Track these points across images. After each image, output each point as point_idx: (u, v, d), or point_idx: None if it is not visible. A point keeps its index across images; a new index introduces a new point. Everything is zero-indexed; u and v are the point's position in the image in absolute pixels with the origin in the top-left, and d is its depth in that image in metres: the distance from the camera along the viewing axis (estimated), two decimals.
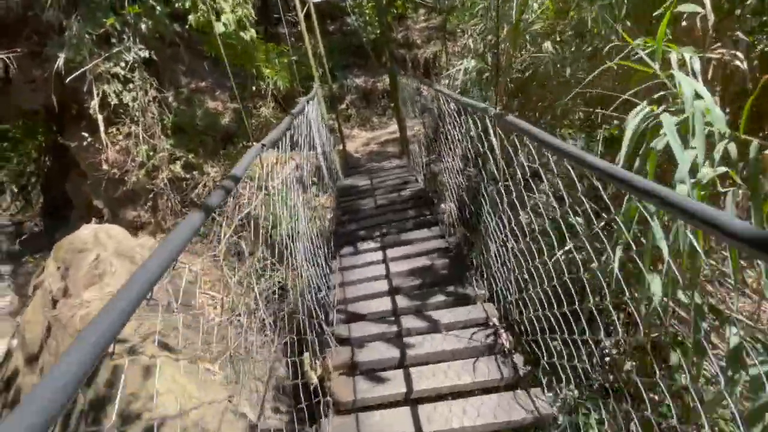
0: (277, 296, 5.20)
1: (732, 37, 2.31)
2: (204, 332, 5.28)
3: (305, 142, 3.87)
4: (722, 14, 2.72)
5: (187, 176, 6.83)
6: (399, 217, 4.19)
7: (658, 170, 1.80)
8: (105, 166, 6.71)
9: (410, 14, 10.53)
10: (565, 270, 1.91)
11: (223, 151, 6.91)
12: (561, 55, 3.27)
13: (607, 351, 2.72)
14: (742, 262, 2.30)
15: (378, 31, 9.65)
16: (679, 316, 2.78)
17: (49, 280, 4.90)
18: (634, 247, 1.67)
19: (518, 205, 2.01)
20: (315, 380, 2.33)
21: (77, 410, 4.23)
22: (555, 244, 1.82)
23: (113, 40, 6.67)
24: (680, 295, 2.07)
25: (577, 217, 2.01)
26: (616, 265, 1.90)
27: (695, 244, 1.63)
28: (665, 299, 1.99)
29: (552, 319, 1.95)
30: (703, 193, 1.66)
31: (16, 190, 10.21)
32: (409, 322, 2.80)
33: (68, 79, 6.36)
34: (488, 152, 2.54)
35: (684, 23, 2.62)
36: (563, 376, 2.13)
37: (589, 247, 1.73)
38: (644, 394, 1.66)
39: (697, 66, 1.94)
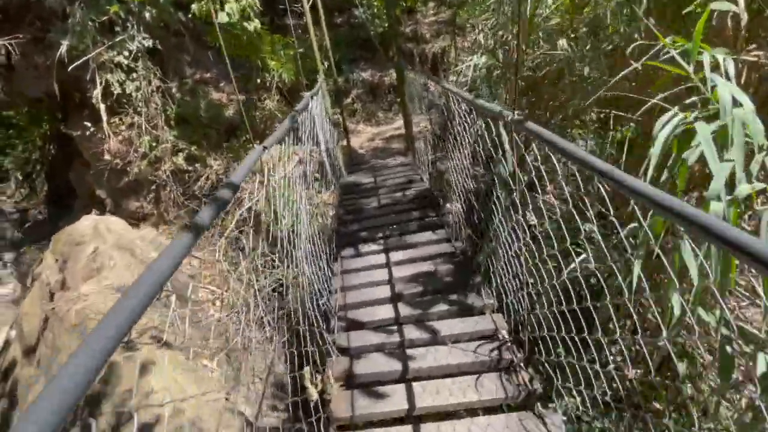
0: (277, 294, 5.08)
1: (767, 39, 2.13)
2: (202, 328, 5.17)
3: (309, 138, 3.72)
4: (752, 14, 2.53)
5: (190, 169, 6.69)
6: (403, 218, 4.03)
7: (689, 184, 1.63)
8: (107, 156, 6.58)
9: (419, 7, 10.29)
10: (584, 286, 1.75)
11: (226, 144, 6.75)
12: (578, 53, 3.08)
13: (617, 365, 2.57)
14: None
15: (386, 25, 9.42)
16: (688, 325, 2.63)
17: (47, 273, 4.80)
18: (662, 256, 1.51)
19: (535, 217, 1.85)
20: (315, 396, 2.19)
21: None
22: (575, 260, 1.66)
23: (117, 29, 6.51)
24: (703, 314, 1.92)
25: (594, 233, 1.85)
26: (635, 279, 1.75)
27: (726, 266, 1.47)
28: (687, 320, 1.83)
29: (568, 341, 1.80)
30: (739, 210, 1.49)
31: (20, 177, 10.13)
32: (412, 332, 2.64)
33: (71, 67, 6.21)
34: (503, 159, 2.38)
35: (713, 22, 2.44)
36: (577, 398, 1.98)
37: (613, 265, 1.57)
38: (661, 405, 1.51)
39: (732, 69, 1.76)
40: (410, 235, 3.69)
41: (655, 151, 1.45)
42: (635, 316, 1.80)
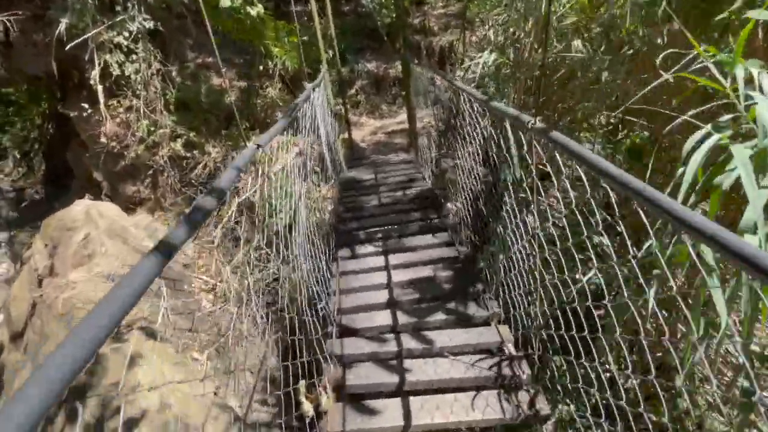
0: (271, 288, 4.94)
1: None
2: (194, 320, 5.04)
3: (309, 130, 3.55)
4: None
5: (188, 155, 6.51)
6: (404, 219, 3.86)
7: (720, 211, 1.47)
8: (103, 139, 6.39)
9: None
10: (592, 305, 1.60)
11: (226, 132, 6.56)
12: (595, 56, 2.90)
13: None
14: None
15: (394, 15, 9.17)
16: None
17: (36, 257, 4.65)
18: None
19: (556, 236, 1.69)
20: (311, 412, 2.04)
21: None
22: (604, 288, 1.50)
23: (117, 8, 6.28)
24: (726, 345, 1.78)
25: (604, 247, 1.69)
26: (651, 302, 1.60)
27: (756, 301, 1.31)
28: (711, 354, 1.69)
29: (578, 367, 1.66)
30: None
31: (18, 155, 9.93)
32: (410, 341, 2.49)
33: (69, 46, 5.99)
34: (513, 163, 2.22)
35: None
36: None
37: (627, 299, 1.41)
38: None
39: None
40: (411, 237, 3.53)
41: (687, 176, 1.29)
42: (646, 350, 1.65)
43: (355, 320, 2.73)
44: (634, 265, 1.37)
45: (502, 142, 2.34)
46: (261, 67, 7.02)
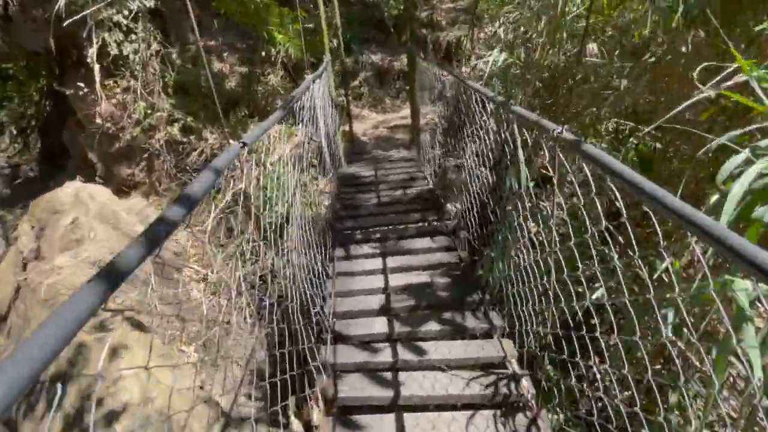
0: (263, 282, 4.79)
1: None
2: (183, 310, 4.88)
3: (309, 122, 3.36)
4: None
5: (184, 140, 6.30)
6: (403, 220, 3.67)
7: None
8: (98, 120, 6.17)
9: None
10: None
11: (224, 118, 6.34)
12: (612, 62, 2.71)
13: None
14: None
15: (401, 7, 8.90)
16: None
17: (23, 240, 4.46)
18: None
19: (577, 256, 1.52)
20: (301, 430, 1.88)
21: (39, 381, 3.87)
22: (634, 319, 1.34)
23: None
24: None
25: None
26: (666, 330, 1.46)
27: None
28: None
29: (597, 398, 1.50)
30: None
31: (15, 131, 9.68)
32: (407, 352, 2.32)
33: (67, 23, 5.74)
34: (525, 172, 2.04)
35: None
36: None
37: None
38: None
39: None
40: (410, 240, 3.35)
41: (728, 207, 1.12)
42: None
43: (349, 326, 2.56)
44: (650, 288, 1.21)
45: (510, 145, 2.16)
46: (263, 53, 6.80)
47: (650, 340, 1.81)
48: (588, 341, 1.60)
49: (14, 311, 4.37)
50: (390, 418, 2.04)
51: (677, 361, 1.39)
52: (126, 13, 6.04)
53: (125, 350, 3.82)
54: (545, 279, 1.77)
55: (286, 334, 1.94)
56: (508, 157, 2.19)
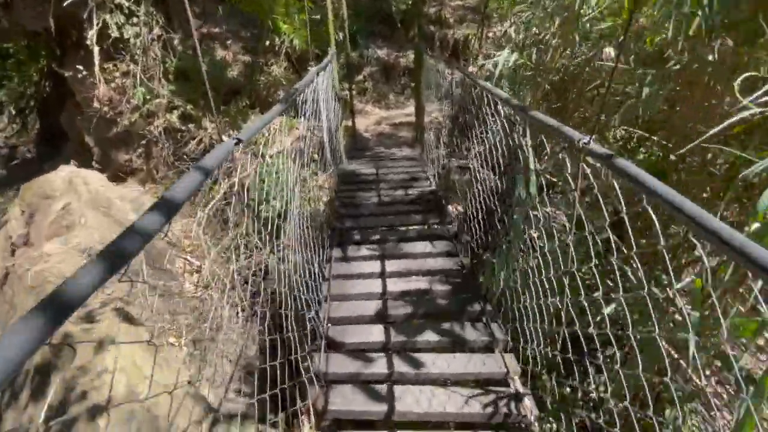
0: (257, 278, 4.65)
1: None
2: (174, 302, 4.73)
3: (311, 116, 3.21)
4: None
5: (183, 128, 6.12)
6: (404, 222, 3.52)
7: None
8: (96, 103, 5.98)
9: None
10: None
11: (224, 108, 6.17)
12: (637, 68, 2.56)
13: None
14: None
15: (410, 2, 8.71)
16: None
17: (12, 224, 4.30)
18: None
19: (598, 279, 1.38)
20: None
21: (23, 369, 3.74)
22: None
23: None
24: None
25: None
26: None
27: None
28: None
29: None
30: None
31: (14, 112, 9.47)
32: (403, 364, 2.18)
33: (67, 2, 5.55)
34: (534, 180, 1.90)
35: None
36: None
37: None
38: None
39: None
40: (411, 243, 3.20)
41: None
42: None
43: (344, 333, 2.42)
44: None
45: (525, 152, 2.02)
46: (267, 43, 6.60)
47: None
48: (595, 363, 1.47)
49: (1, 297, 4.22)
50: None
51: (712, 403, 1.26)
52: None
53: (112, 343, 3.68)
54: (557, 298, 1.63)
55: (278, 343, 1.80)
56: (521, 164, 2.05)
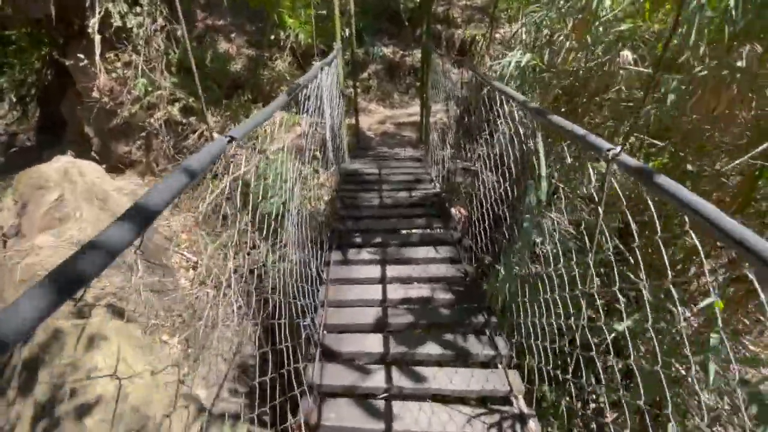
0: (254, 276, 4.51)
1: None
2: (169, 298, 4.60)
3: (314, 112, 3.07)
4: None
5: (184, 121, 5.98)
6: (406, 226, 3.38)
7: None
8: (95, 94, 5.84)
9: None
10: None
11: (226, 102, 6.02)
12: (661, 73, 2.42)
13: None
14: None
15: (417, 0, 8.55)
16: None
17: (4, 215, 4.17)
18: None
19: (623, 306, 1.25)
20: None
21: (12, 364, 3.62)
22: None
23: None
24: None
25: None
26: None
27: None
28: None
29: None
30: None
31: (15, 99, 9.32)
32: (402, 378, 2.04)
33: None
34: (545, 188, 1.77)
35: None
36: None
37: None
38: None
39: None
40: (413, 248, 3.06)
41: None
42: None
43: (340, 341, 2.29)
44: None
45: (540, 158, 1.88)
46: (272, 37, 6.45)
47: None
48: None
49: None
50: None
51: None
52: None
53: (103, 340, 3.55)
54: (571, 320, 1.50)
55: (270, 356, 1.67)
56: (538, 171, 1.91)
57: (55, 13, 5.94)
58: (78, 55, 5.88)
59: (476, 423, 1.87)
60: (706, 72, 1.96)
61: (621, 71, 2.72)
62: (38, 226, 4.01)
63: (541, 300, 1.77)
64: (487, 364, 2.20)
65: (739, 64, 1.96)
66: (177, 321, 4.40)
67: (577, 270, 1.49)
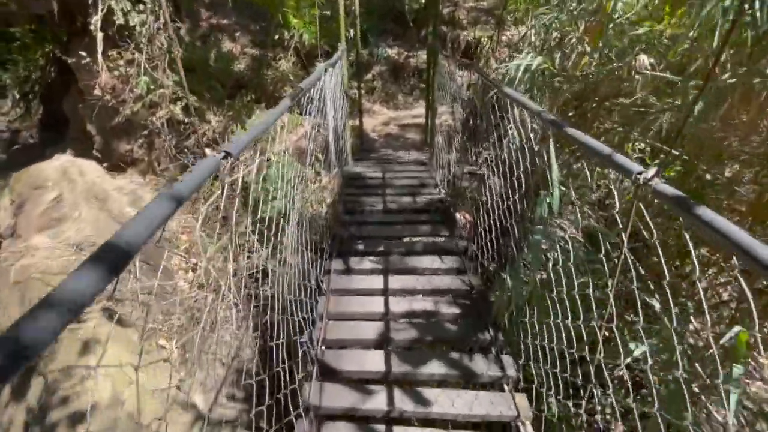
0: (254, 280, 4.40)
1: None
2: (167, 302, 4.48)
3: (317, 114, 2.94)
4: None
5: (187, 120, 5.86)
6: (410, 233, 3.25)
7: None
8: (98, 91, 5.73)
9: None
10: None
11: (229, 102, 5.90)
12: (686, 81, 2.28)
13: None
14: None
15: (423, 1, 8.40)
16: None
17: (0, 214, 4.06)
18: None
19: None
20: None
21: None
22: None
23: None
24: None
25: None
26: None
27: None
28: None
29: None
30: None
31: (18, 95, 9.23)
32: (404, 400, 1.91)
33: None
34: (557, 197, 1.64)
35: None
36: None
37: None
38: None
39: None
40: (417, 258, 2.92)
41: None
42: None
43: (340, 358, 2.16)
44: None
45: (553, 171, 1.75)
46: (276, 37, 6.33)
47: None
48: None
49: None
50: None
51: None
52: None
53: (98, 345, 3.44)
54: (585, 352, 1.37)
55: (267, 382, 1.55)
56: (550, 181, 1.78)
57: (57, 10, 5.84)
58: (80, 52, 5.77)
59: None
60: (734, 80, 1.82)
61: (637, 76, 2.57)
62: (35, 226, 3.90)
63: (552, 324, 1.64)
64: (492, 385, 2.07)
65: None
66: (175, 325, 4.29)
67: (593, 295, 1.36)
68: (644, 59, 2.60)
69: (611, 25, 2.81)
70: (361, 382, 2.05)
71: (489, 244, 2.53)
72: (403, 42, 8.42)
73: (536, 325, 1.84)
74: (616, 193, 1.25)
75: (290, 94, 2.10)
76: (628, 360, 1.67)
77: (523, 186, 2.03)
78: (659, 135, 2.89)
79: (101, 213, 4.43)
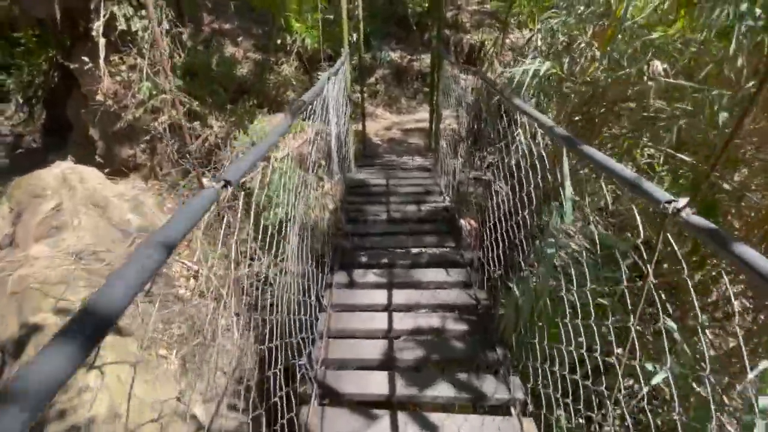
0: (256, 288, 4.31)
1: None
2: (168, 311, 4.39)
3: (319, 120, 2.85)
4: None
5: (189, 125, 5.77)
6: (415, 244, 3.14)
7: None
8: (100, 96, 5.66)
9: None
10: None
11: (231, 107, 5.81)
12: (708, 90, 2.16)
13: None
14: None
15: (426, 5, 8.29)
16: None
17: None
18: None
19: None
20: None
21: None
22: None
23: None
24: None
25: None
26: None
27: None
28: None
29: None
30: None
31: (21, 100, 9.20)
32: (410, 425, 1.81)
33: None
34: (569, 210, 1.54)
35: None
36: None
37: None
38: None
39: None
40: (422, 270, 2.81)
41: None
42: None
43: (340, 380, 2.06)
44: None
45: (566, 189, 1.64)
46: (279, 41, 6.24)
47: None
48: None
49: None
50: None
51: None
52: None
53: (95, 356, 3.35)
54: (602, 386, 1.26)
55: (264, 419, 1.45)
56: (562, 194, 1.66)
57: (60, 15, 5.78)
58: (83, 57, 5.71)
59: None
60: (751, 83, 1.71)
61: (650, 82, 2.46)
62: (33, 235, 3.82)
63: (564, 351, 1.53)
64: (500, 408, 1.96)
65: None
66: (176, 334, 4.19)
67: (611, 328, 1.25)
68: (658, 65, 2.49)
69: (622, 30, 2.70)
70: (363, 405, 1.94)
71: (496, 259, 2.42)
72: (406, 45, 8.31)
73: (546, 349, 1.73)
74: (638, 218, 1.13)
75: (293, 109, 2.00)
76: (647, 388, 1.56)
77: (534, 202, 1.92)
78: (669, 141, 2.77)
79: (101, 220, 4.34)
